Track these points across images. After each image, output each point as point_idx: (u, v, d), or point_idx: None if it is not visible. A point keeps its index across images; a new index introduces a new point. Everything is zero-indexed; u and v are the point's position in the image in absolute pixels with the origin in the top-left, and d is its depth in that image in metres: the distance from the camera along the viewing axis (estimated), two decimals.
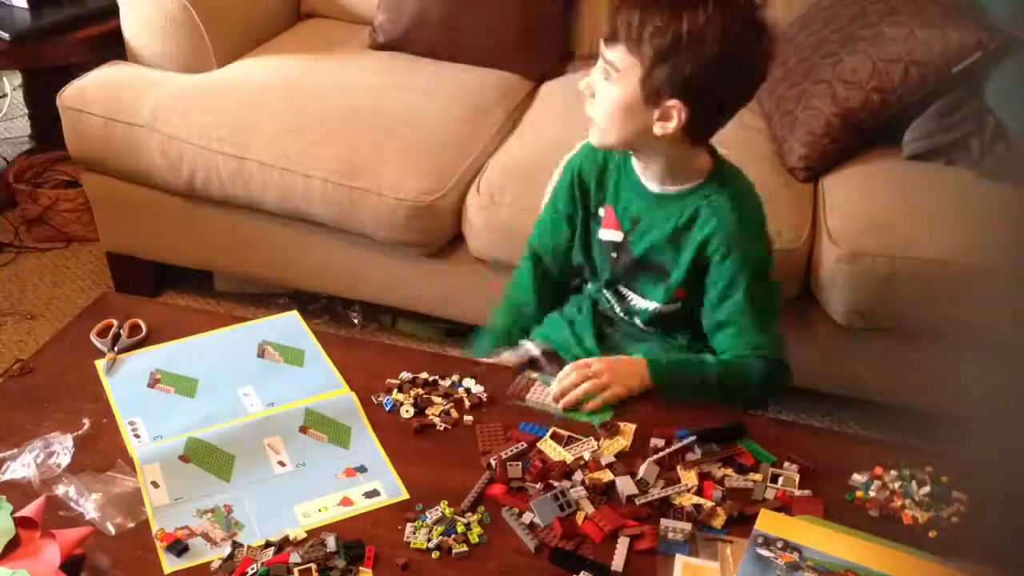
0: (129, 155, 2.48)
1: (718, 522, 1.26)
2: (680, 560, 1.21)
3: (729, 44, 1.35)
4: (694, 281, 1.53)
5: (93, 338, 1.53)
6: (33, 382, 1.47)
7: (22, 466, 1.31)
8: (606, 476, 1.32)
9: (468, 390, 1.46)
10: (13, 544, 1.20)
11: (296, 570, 1.17)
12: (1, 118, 3.61)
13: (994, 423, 0.68)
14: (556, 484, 1.29)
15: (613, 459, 1.35)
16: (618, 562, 1.20)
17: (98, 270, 2.88)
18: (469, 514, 1.27)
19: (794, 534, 1.21)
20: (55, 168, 3.05)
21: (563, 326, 1.69)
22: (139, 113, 2.46)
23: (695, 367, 1.53)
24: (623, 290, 1.62)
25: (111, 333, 1.54)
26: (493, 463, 1.33)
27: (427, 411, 1.42)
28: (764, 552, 1.19)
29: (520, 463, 1.32)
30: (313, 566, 1.18)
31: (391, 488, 1.31)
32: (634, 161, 1.55)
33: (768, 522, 1.23)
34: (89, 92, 2.52)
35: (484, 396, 1.45)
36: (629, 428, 1.40)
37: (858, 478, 1.33)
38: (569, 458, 1.34)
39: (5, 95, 3.69)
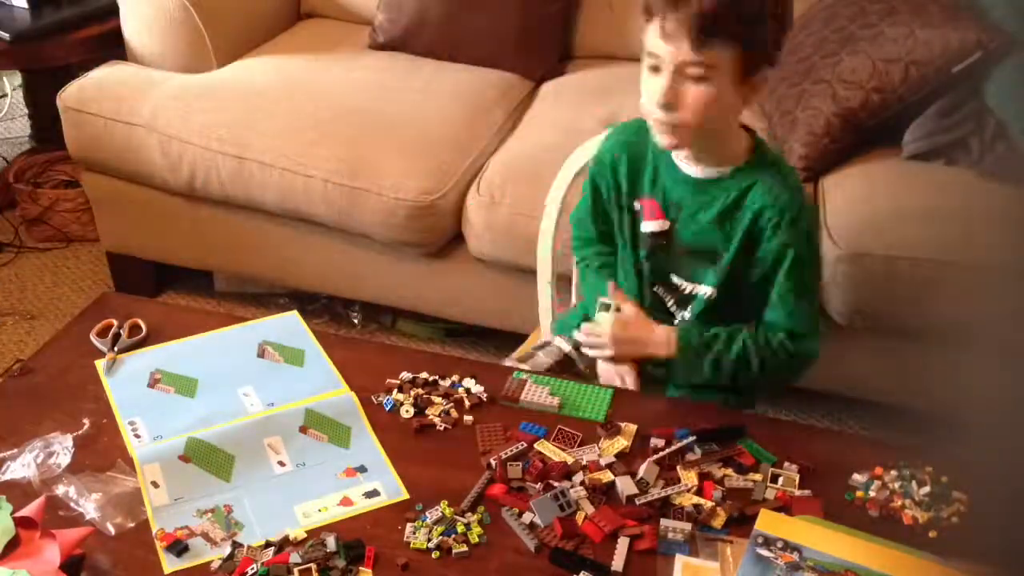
0: (129, 155, 2.48)
1: (718, 522, 1.26)
2: (680, 560, 1.21)
3: None
4: (746, 260, 1.50)
5: (93, 338, 1.53)
6: (33, 382, 1.47)
7: (22, 466, 1.31)
8: (606, 476, 1.32)
9: (468, 390, 1.46)
10: (13, 544, 1.20)
11: (296, 570, 1.17)
12: (1, 118, 3.61)
13: (994, 423, 0.68)
14: (556, 484, 1.29)
15: (613, 459, 1.35)
16: (618, 562, 1.20)
17: (98, 270, 2.88)
18: (469, 514, 1.27)
19: (794, 534, 1.21)
20: (55, 168, 3.05)
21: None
22: (139, 113, 2.46)
23: (722, 338, 1.51)
24: (676, 280, 1.58)
25: (111, 333, 1.54)
26: (493, 463, 1.33)
27: (427, 411, 1.42)
28: (764, 552, 1.19)
29: (520, 463, 1.32)
30: (313, 566, 1.18)
31: (391, 488, 1.31)
32: (674, 151, 1.51)
33: (768, 522, 1.23)
34: (89, 92, 2.52)
35: (484, 396, 1.45)
36: (629, 428, 1.40)
37: (858, 478, 1.33)
38: (569, 459, 1.34)
39: (5, 95, 3.69)
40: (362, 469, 1.34)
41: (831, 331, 2.15)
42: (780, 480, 1.32)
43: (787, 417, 2.31)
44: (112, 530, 1.24)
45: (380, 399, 1.44)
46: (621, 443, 1.37)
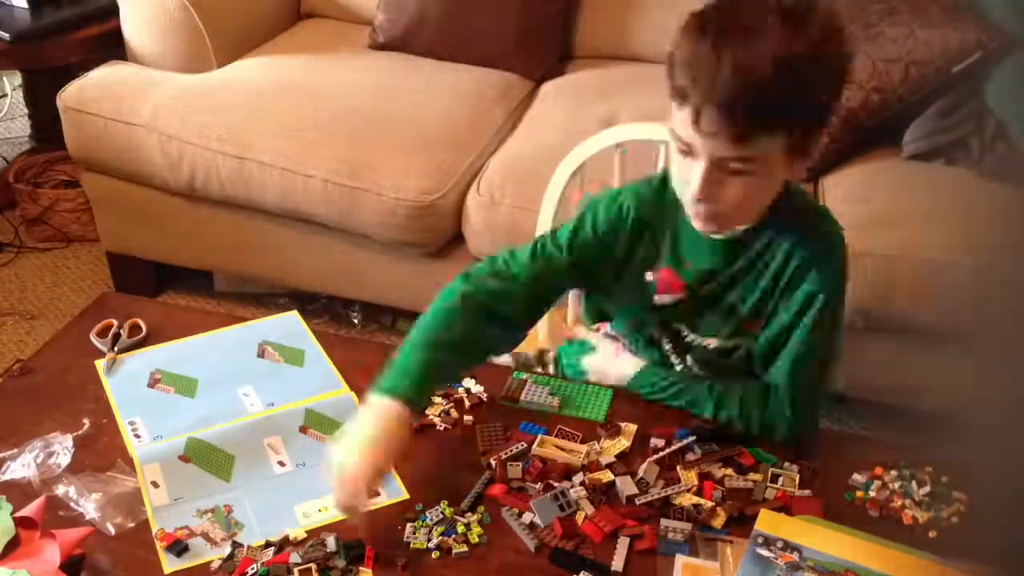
0: (129, 155, 2.49)
1: (718, 522, 1.26)
2: (680, 560, 1.21)
3: (840, 23, 1.16)
4: (764, 312, 1.36)
5: (93, 338, 1.53)
6: (33, 382, 1.47)
7: (22, 466, 1.31)
8: (606, 476, 1.32)
9: (468, 390, 1.46)
10: (13, 544, 1.19)
11: (296, 570, 1.17)
12: (1, 118, 3.61)
13: (994, 423, 0.68)
14: (556, 484, 1.29)
15: (613, 459, 1.35)
16: (618, 562, 1.20)
17: (98, 270, 2.88)
18: (469, 514, 1.26)
19: (794, 534, 1.21)
20: (55, 168, 3.05)
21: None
22: (139, 113, 2.46)
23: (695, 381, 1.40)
24: (677, 326, 1.42)
25: (111, 333, 1.54)
26: (493, 463, 1.33)
27: (427, 411, 1.42)
28: (764, 552, 1.19)
29: (520, 463, 1.32)
30: (313, 566, 1.17)
31: (391, 488, 1.31)
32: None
33: (768, 522, 1.23)
34: (89, 92, 2.52)
35: (484, 396, 1.45)
36: (629, 428, 1.40)
37: (858, 478, 1.33)
38: (569, 459, 1.34)
39: (5, 95, 3.69)
40: None
41: None
42: (780, 480, 1.32)
43: None
44: (112, 530, 1.24)
45: None
46: (621, 443, 1.37)
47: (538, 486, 1.30)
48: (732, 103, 1.13)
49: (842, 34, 1.17)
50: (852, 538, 1.22)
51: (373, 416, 1.24)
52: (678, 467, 1.33)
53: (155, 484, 1.30)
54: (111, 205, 2.64)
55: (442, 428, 1.40)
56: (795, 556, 1.19)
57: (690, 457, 1.35)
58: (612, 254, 1.39)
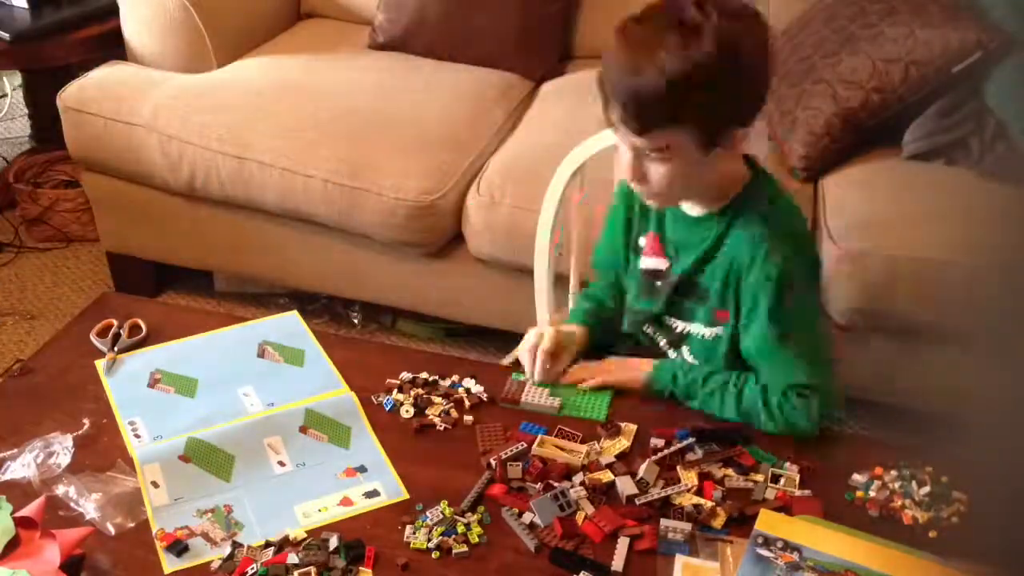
0: (129, 155, 2.49)
1: (718, 522, 1.26)
2: (680, 560, 1.21)
3: (738, 39, 1.27)
4: (732, 302, 1.43)
5: (93, 338, 1.53)
6: (33, 382, 1.47)
7: (22, 466, 1.31)
8: (606, 476, 1.32)
9: (468, 390, 1.46)
10: (13, 544, 1.20)
11: (296, 570, 1.17)
12: (1, 118, 3.61)
13: (994, 423, 0.68)
14: (556, 484, 1.29)
15: (613, 459, 1.35)
16: (618, 562, 1.20)
17: (98, 270, 2.88)
18: (469, 514, 1.26)
19: (794, 534, 1.21)
20: (55, 168, 3.05)
21: None
22: (139, 113, 2.46)
23: (707, 382, 1.43)
24: (668, 320, 1.52)
25: (111, 333, 1.54)
26: (493, 463, 1.33)
27: (427, 411, 1.42)
28: (764, 552, 1.19)
29: (520, 463, 1.32)
30: (313, 566, 1.18)
31: (391, 488, 1.31)
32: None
33: (768, 522, 1.23)
34: (89, 92, 2.52)
35: (484, 396, 1.45)
36: (629, 428, 1.40)
37: (858, 478, 1.33)
38: (569, 459, 1.34)
39: (5, 95, 3.69)
40: (362, 469, 1.34)
41: (831, 331, 2.15)
42: (780, 480, 1.32)
43: None
44: (112, 530, 1.24)
45: (380, 399, 1.44)
46: (621, 443, 1.37)
47: (538, 486, 1.30)
48: (625, 103, 1.30)
49: (744, 46, 1.29)
50: (852, 538, 1.22)
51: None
52: (678, 467, 1.33)
53: (155, 484, 1.30)
54: (111, 205, 2.64)
55: (442, 428, 1.40)
56: (795, 556, 1.19)
57: (690, 457, 1.35)
58: (627, 214, 1.54)
